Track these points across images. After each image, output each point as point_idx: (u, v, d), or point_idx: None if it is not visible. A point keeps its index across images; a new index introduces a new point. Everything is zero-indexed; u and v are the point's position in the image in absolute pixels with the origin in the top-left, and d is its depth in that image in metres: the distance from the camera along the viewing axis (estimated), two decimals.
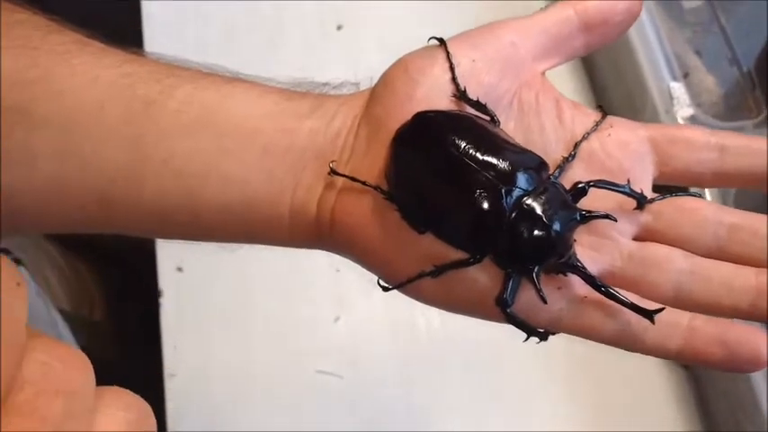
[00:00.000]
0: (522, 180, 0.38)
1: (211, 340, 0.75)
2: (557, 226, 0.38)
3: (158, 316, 0.74)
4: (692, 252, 0.40)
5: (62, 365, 0.24)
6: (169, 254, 0.76)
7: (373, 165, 0.41)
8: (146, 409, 0.26)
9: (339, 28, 0.42)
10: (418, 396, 0.73)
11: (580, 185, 0.40)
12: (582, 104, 0.42)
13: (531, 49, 0.41)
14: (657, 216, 0.41)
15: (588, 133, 0.41)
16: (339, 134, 0.42)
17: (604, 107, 0.42)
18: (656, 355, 0.39)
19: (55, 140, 0.40)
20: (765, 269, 0.39)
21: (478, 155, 0.39)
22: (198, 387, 0.72)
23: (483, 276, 0.39)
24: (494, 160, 0.38)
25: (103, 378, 0.25)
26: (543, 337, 0.40)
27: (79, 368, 0.24)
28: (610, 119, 0.42)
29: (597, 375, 0.75)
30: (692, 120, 0.72)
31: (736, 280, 0.39)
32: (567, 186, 0.40)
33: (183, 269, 0.76)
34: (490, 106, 0.41)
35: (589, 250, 0.40)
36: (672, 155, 0.41)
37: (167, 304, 0.75)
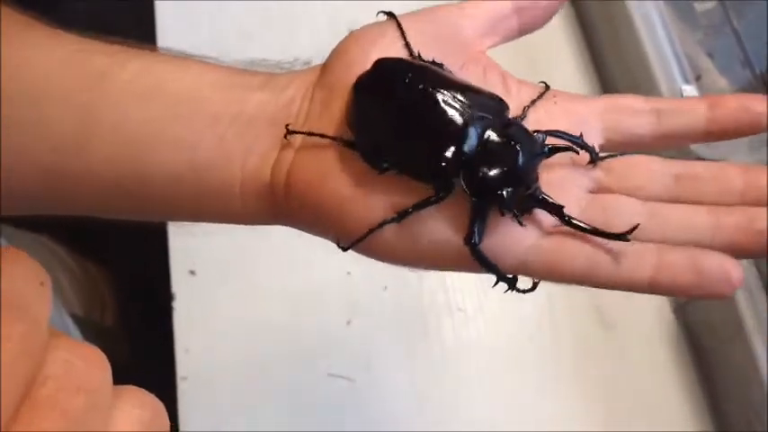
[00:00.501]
0: (486, 113, 0.39)
1: (223, 343, 0.75)
2: (524, 154, 0.38)
3: (171, 319, 0.74)
4: (643, 198, 0.42)
5: (83, 363, 0.24)
6: (182, 257, 0.76)
7: (330, 124, 0.41)
8: (160, 407, 0.27)
9: (350, 26, 0.43)
10: (430, 399, 0.73)
11: (538, 134, 0.40)
12: (526, 80, 0.44)
13: (472, 28, 0.44)
14: (608, 171, 0.42)
15: (535, 100, 0.43)
16: (293, 101, 0.43)
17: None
18: (628, 289, 0.39)
19: (12, 120, 0.41)
20: (716, 206, 0.41)
21: (443, 91, 0.40)
22: (210, 390, 0.72)
23: (448, 219, 0.40)
24: (458, 96, 0.40)
25: (116, 381, 0.26)
26: (511, 283, 0.40)
27: (99, 366, 0.25)
28: (554, 90, 0.44)
29: (609, 375, 0.75)
30: None
31: (693, 217, 0.41)
32: None
33: (195, 272, 0.76)
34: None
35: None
36: (616, 120, 0.43)
37: (180, 307, 0.75)
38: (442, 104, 0.39)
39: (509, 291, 0.40)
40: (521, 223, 0.38)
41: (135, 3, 0.88)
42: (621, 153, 0.43)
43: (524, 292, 0.40)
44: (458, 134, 0.39)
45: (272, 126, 0.42)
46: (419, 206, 0.39)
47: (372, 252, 0.41)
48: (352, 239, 0.40)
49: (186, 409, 0.71)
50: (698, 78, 0.76)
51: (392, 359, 0.75)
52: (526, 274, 0.40)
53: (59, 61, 0.42)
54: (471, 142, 0.39)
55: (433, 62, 0.42)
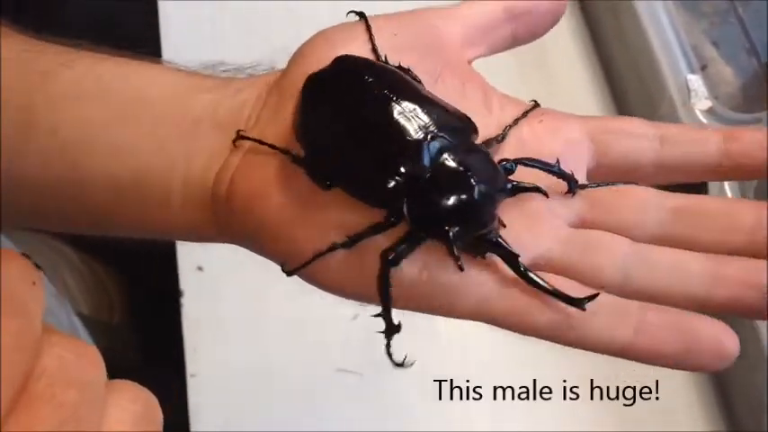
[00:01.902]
0: (446, 134, 0.35)
1: (231, 339, 0.75)
2: (480, 189, 0.34)
3: (179, 316, 0.74)
4: (633, 236, 0.37)
5: (77, 358, 0.25)
6: (189, 253, 0.76)
7: (280, 131, 0.37)
8: (153, 401, 0.27)
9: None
10: (435, 394, 0.73)
11: (505, 163, 0.36)
12: (512, 96, 0.41)
13: (456, 34, 0.40)
14: (594, 203, 0.38)
15: (518, 119, 0.38)
16: (244, 105, 0.39)
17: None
18: (600, 351, 0.35)
19: None
20: (715, 254, 0.36)
21: (402, 102, 0.35)
22: (219, 386, 0.73)
23: None
24: (417, 110, 0.35)
25: (124, 378, 0.26)
26: (393, 331, 0.37)
27: (92, 361, 0.25)
28: (542, 109, 0.40)
29: (589, 368, 0.74)
30: (710, 112, 0.72)
31: (688, 265, 0.36)
32: None
33: (203, 268, 0.77)
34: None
35: (523, 232, 0.36)
36: (608, 143, 0.39)
37: (188, 304, 0.75)
38: (398, 118, 0.35)
39: (389, 339, 0.37)
40: (460, 268, 0.33)
41: (138, 4, 0.88)
42: (612, 183, 0.38)
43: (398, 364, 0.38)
44: (407, 154, 0.34)
45: (218, 130, 0.39)
46: (369, 232, 0.35)
47: (317, 280, 0.37)
48: (297, 264, 0.36)
49: (196, 407, 0.71)
50: (703, 68, 0.76)
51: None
52: (485, 321, 0.36)
53: (5, 61, 0.40)
54: (421, 166, 0.34)
55: (399, 67, 0.38)
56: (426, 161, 0.34)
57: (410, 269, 0.35)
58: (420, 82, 0.38)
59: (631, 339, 0.34)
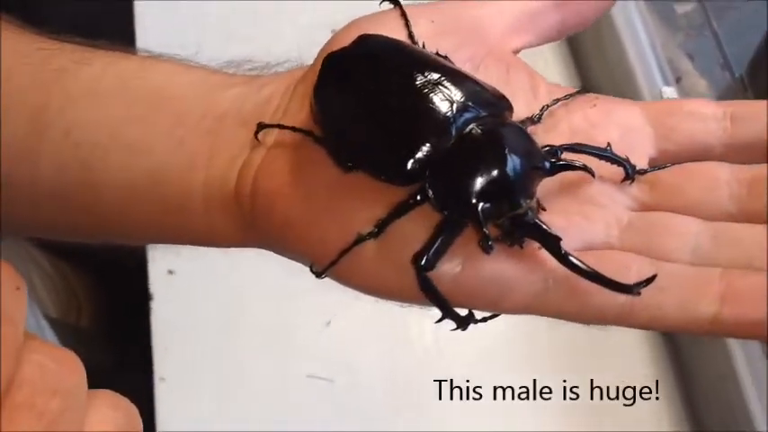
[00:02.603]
0: (476, 107, 0.32)
1: (202, 344, 0.74)
2: (512, 162, 0.31)
3: (149, 319, 0.74)
4: (704, 216, 0.33)
5: (58, 366, 0.25)
6: (160, 257, 0.76)
7: (306, 120, 0.35)
8: (133, 410, 0.27)
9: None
10: (410, 399, 0.73)
11: (550, 148, 0.33)
12: (563, 86, 0.38)
13: (500, 22, 0.37)
14: (654, 185, 0.34)
15: (559, 99, 0.35)
16: (271, 99, 0.37)
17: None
18: (683, 329, 0.32)
19: None
20: None
21: (427, 75, 0.33)
22: (188, 391, 0.72)
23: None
24: (445, 83, 0.32)
25: (93, 383, 0.26)
26: (463, 322, 0.32)
27: (73, 369, 0.25)
28: (594, 95, 0.37)
29: (589, 368, 0.74)
30: None
31: None
32: None
33: (174, 272, 0.76)
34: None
35: (579, 218, 0.33)
36: (672, 126, 0.35)
37: (158, 308, 0.74)
38: (422, 90, 0.32)
39: (458, 329, 0.33)
40: (487, 251, 0.30)
41: (114, 5, 0.87)
42: (675, 164, 0.35)
43: (483, 321, 0.33)
44: (431, 126, 0.32)
45: (243, 126, 0.37)
46: (394, 215, 0.32)
47: (350, 281, 0.35)
48: (326, 263, 0.34)
49: (164, 411, 0.70)
50: (678, 80, 0.77)
51: (372, 359, 0.75)
52: (540, 314, 0.33)
53: (20, 57, 0.39)
54: (446, 138, 0.31)
55: (437, 54, 0.35)
56: (452, 133, 0.31)
57: (449, 265, 0.32)
58: (452, 63, 0.35)
59: (717, 312, 0.30)
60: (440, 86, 0.32)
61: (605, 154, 0.34)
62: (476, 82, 0.34)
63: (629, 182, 0.34)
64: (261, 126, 0.35)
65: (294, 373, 0.73)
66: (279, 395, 0.73)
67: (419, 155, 0.31)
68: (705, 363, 0.72)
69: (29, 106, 0.38)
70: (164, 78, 0.39)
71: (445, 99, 0.32)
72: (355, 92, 0.34)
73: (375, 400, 0.73)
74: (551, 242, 0.30)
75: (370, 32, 0.36)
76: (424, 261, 0.31)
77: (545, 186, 0.33)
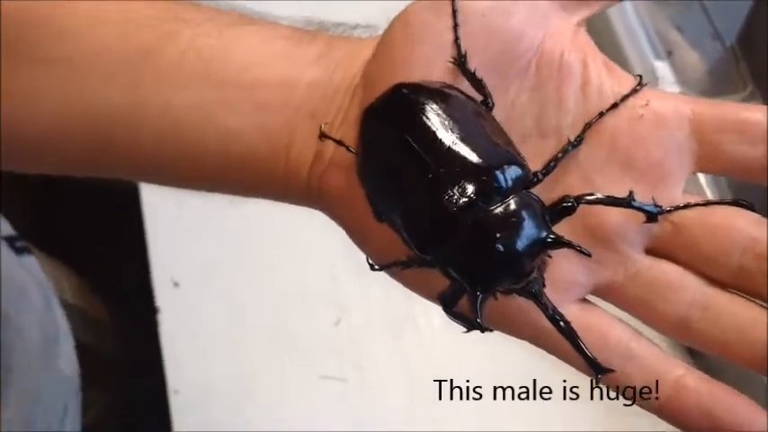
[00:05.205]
0: (485, 185, 0.34)
1: (212, 353, 0.74)
2: (510, 246, 0.33)
3: (157, 334, 0.73)
4: (711, 275, 0.35)
5: None
6: (164, 269, 0.75)
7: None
8: None
9: None
10: (423, 396, 0.73)
11: (568, 203, 0.35)
12: (618, 67, 0.37)
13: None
14: (678, 229, 0.35)
15: (603, 113, 0.35)
16: (337, 92, 0.38)
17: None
18: (640, 405, 0.36)
19: (58, 80, 0.40)
20: None
21: (445, 145, 0.34)
22: (202, 401, 0.72)
23: None
24: (461, 156, 0.34)
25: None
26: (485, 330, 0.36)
27: None
28: (645, 91, 0.36)
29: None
30: None
31: (753, 327, 0.34)
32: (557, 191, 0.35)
33: (179, 284, 0.76)
34: (499, 74, 0.36)
35: (590, 262, 0.35)
36: (718, 145, 0.35)
37: (165, 321, 0.74)
38: (439, 164, 0.34)
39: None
40: (481, 329, 0.35)
41: None
42: (702, 203, 0.35)
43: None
44: (441, 212, 0.34)
45: (312, 118, 0.38)
46: (409, 263, 0.36)
47: (403, 281, 0.38)
48: (379, 264, 0.37)
49: (181, 423, 0.70)
50: (669, 54, 0.76)
51: (383, 357, 0.75)
52: (539, 345, 0.37)
53: (107, 32, 0.40)
54: (454, 223, 0.33)
55: (473, 75, 0.35)
56: (456, 216, 0.33)
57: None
58: (488, 99, 0.36)
59: (662, 404, 0.35)
60: (459, 160, 0.34)
61: (629, 206, 0.35)
62: (498, 150, 0.34)
63: (651, 223, 0.35)
64: (323, 135, 0.38)
65: (306, 376, 0.73)
66: (293, 398, 0.72)
67: (428, 238, 0.34)
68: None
69: (124, 83, 0.40)
70: (245, 56, 0.39)
71: (461, 177, 0.34)
72: (382, 153, 0.36)
73: (389, 397, 0.73)
74: (546, 310, 0.34)
75: (414, 35, 0.36)
76: (447, 303, 0.35)
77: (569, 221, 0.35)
